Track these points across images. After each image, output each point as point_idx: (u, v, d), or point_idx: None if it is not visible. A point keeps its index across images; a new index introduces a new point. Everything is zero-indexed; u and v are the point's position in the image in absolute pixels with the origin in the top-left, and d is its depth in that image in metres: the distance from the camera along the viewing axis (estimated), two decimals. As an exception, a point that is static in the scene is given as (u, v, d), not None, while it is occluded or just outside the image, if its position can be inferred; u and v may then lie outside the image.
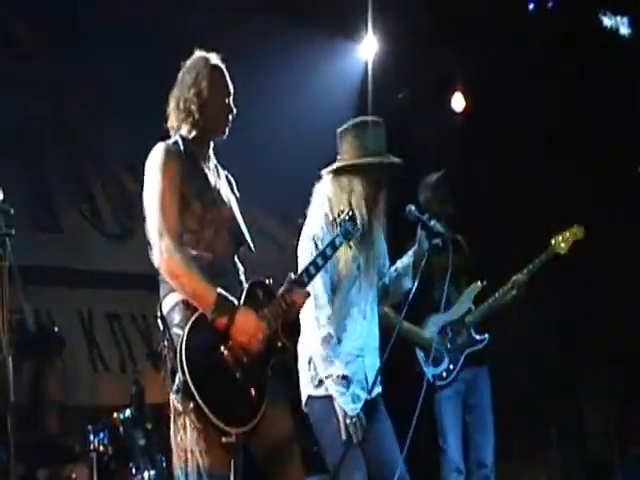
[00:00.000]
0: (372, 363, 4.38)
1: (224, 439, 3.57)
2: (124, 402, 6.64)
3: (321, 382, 4.29)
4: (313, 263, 3.94)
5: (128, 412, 5.51)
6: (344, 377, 4.24)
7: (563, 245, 5.59)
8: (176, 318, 3.70)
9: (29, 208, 7.18)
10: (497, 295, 5.62)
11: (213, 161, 4.10)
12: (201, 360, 3.56)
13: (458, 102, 8.41)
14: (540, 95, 7.60)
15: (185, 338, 3.55)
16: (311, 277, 3.92)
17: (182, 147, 3.92)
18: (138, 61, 7.43)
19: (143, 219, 7.36)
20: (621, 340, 6.99)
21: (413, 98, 8.40)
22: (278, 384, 3.84)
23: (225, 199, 4.01)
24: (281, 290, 3.82)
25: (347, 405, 4.20)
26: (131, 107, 7.59)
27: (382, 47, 8.12)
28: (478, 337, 5.58)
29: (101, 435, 5.38)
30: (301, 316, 4.31)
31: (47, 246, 7.14)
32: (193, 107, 3.96)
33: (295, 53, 7.79)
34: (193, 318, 3.61)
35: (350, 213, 4.09)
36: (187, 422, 3.60)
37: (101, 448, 5.33)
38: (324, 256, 3.97)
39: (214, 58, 4.09)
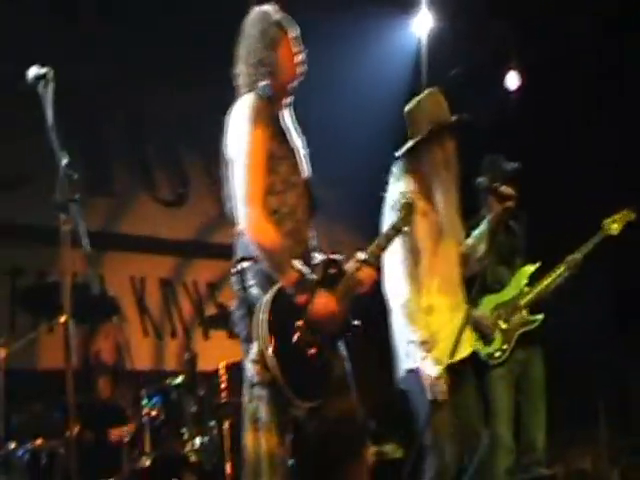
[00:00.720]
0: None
1: (295, 412, 3.59)
2: (174, 368, 6.76)
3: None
4: (377, 245, 3.92)
5: (180, 378, 5.53)
6: (424, 342, 4.29)
7: (615, 226, 5.58)
8: (253, 279, 3.67)
9: (85, 172, 7.25)
10: (551, 276, 5.64)
11: (290, 119, 4.00)
12: (280, 333, 3.54)
13: (512, 81, 8.32)
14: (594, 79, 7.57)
15: (268, 309, 3.53)
16: (377, 258, 3.90)
17: (267, 102, 3.82)
18: (199, 29, 7.46)
19: (195, 186, 7.40)
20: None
21: (467, 75, 8.35)
22: (348, 370, 3.82)
23: (304, 162, 3.95)
24: (350, 270, 3.79)
25: (428, 368, 4.25)
26: (190, 74, 7.64)
27: (436, 23, 8.01)
28: (531, 317, 5.60)
29: (154, 400, 5.41)
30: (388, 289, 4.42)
31: (102, 211, 7.22)
32: (267, 58, 3.89)
33: (350, 27, 7.72)
34: (275, 289, 3.58)
35: (410, 198, 4.11)
36: (263, 393, 3.58)
37: (153, 413, 5.36)
38: (387, 238, 3.96)
39: (275, 11, 4.00)
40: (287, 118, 3.98)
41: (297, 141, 3.95)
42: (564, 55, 7.70)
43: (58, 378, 5.97)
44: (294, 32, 3.97)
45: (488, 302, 5.59)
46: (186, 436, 5.33)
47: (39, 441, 5.19)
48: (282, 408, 3.57)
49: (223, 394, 5.60)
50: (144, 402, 5.39)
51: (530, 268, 5.68)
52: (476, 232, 4.71)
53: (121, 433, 5.39)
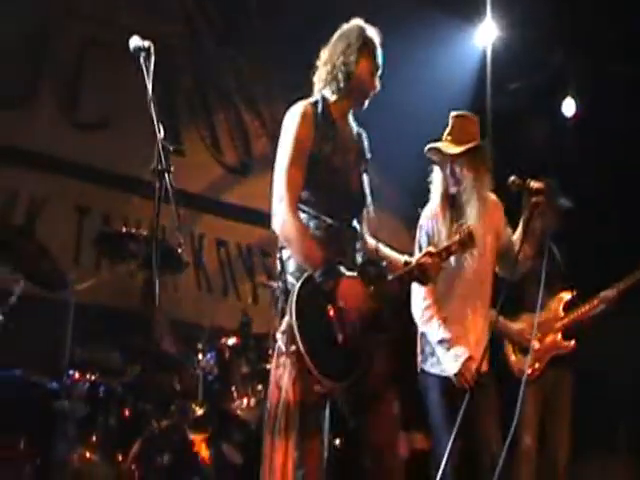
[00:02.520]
0: (478, 339, 4.78)
1: (316, 387, 3.89)
2: (224, 325, 7.08)
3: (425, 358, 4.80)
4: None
5: (235, 340, 5.82)
6: (442, 340, 4.71)
7: None
8: (291, 267, 4.04)
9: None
10: (585, 307, 5.92)
11: (351, 126, 4.35)
12: (309, 312, 3.89)
13: (569, 108, 8.50)
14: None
15: (298, 288, 3.90)
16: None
17: (321, 108, 4.19)
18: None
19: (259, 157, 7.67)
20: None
21: (526, 93, 8.53)
22: (385, 363, 4.14)
23: (353, 165, 4.26)
24: (392, 276, 4.12)
25: (449, 364, 4.67)
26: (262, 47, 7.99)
27: (500, 34, 8.20)
28: (565, 342, 5.90)
29: (208, 356, 5.73)
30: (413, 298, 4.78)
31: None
32: (339, 76, 4.22)
33: (415, 35, 7.90)
34: (305, 275, 3.94)
35: (470, 229, 4.33)
36: (288, 362, 3.94)
37: (207, 368, 5.68)
38: (440, 257, 4.22)
39: (369, 31, 4.32)
40: (349, 124, 4.33)
41: (352, 146, 4.29)
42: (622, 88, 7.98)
43: (120, 318, 6.42)
44: (378, 58, 4.32)
45: (525, 320, 5.88)
46: (235, 394, 5.65)
47: (98, 375, 5.55)
48: (304, 378, 3.89)
49: (270, 360, 5.93)
50: (199, 356, 5.70)
51: (567, 294, 5.97)
52: (515, 235, 4.97)
53: (175, 382, 5.72)
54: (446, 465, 4.15)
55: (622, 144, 7.80)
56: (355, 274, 3.99)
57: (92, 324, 5.69)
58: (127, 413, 5.55)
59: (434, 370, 4.83)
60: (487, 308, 4.93)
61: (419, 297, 4.84)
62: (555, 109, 8.47)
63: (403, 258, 4.30)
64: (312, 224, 4.09)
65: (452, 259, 4.63)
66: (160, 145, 3.96)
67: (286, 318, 3.96)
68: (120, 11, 7.46)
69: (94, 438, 5.42)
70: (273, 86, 8.23)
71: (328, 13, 7.53)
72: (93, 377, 5.51)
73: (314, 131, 4.14)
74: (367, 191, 4.30)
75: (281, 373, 3.99)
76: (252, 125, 8.29)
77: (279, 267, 4.11)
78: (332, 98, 4.25)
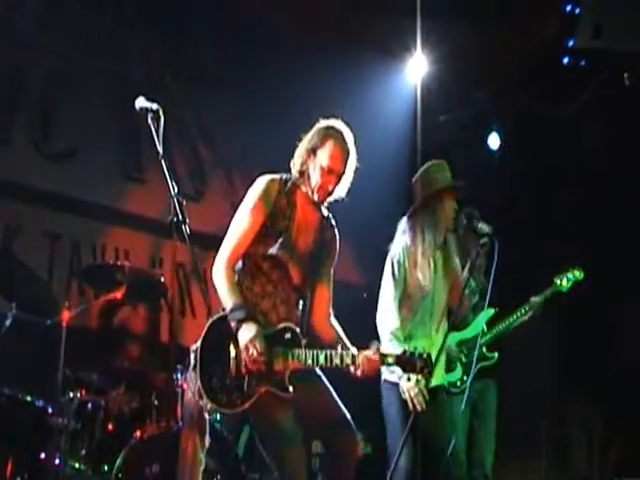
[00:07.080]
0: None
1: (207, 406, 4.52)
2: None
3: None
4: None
5: None
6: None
7: (564, 284, 6.43)
8: None
9: (121, 159, 8.12)
10: (507, 321, 6.52)
11: (320, 215, 4.77)
12: (214, 342, 4.52)
13: (494, 141, 9.12)
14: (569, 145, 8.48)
15: (213, 320, 4.57)
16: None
17: (288, 187, 4.69)
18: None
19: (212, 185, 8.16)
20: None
21: (454, 125, 9.16)
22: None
23: (305, 247, 4.68)
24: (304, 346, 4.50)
25: (406, 384, 5.28)
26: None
27: (430, 69, 8.57)
28: (489, 355, 6.50)
29: (185, 375, 6.12)
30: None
31: (131, 195, 8.09)
32: (298, 164, 4.67)
33: (345, 74, 8.44)
34: (221, 314, 4.54)
35: (424, 355, 4.53)
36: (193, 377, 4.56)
37: (185, 386, 5.97)
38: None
39: (331, 128, 4.69)
40: (316, 209, 4.74)
41: (311, 230, 4.72)
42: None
43: (101, 340, 6.90)
44: (334, 156, 4.62)
45: (453, 338, 6.38)
46: (209, 408, 6.18)
47: (84, 393, 6.09)
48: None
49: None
50: (179, 375, 6.17)
51: (490, 312, 6.48)
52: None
53: (154, 400, 6.23)
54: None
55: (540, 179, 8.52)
56: (257, 327, 4.42)
57: (76, 346, 6.08)
58: (111, 427, 6.11)
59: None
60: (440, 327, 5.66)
61: (388, 316, 5.44)
62: (482, 141, 9.11)
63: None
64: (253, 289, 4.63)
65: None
66: (175, 200, 4.36)
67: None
68: (86, 48, 7.99)
69: (83, 451, 5.97)
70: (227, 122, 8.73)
71: (265, 63, 8.19)
72: (81, 395, 6.04)
73: (270, 206, 4.60)
74: (323, 277, 4.75)
75: (188, 385, 4.76)
76: (205, 155, 8.77)
77: None
78: (297, 183, 4.69)
